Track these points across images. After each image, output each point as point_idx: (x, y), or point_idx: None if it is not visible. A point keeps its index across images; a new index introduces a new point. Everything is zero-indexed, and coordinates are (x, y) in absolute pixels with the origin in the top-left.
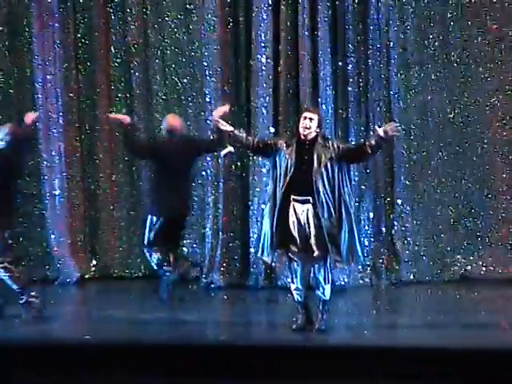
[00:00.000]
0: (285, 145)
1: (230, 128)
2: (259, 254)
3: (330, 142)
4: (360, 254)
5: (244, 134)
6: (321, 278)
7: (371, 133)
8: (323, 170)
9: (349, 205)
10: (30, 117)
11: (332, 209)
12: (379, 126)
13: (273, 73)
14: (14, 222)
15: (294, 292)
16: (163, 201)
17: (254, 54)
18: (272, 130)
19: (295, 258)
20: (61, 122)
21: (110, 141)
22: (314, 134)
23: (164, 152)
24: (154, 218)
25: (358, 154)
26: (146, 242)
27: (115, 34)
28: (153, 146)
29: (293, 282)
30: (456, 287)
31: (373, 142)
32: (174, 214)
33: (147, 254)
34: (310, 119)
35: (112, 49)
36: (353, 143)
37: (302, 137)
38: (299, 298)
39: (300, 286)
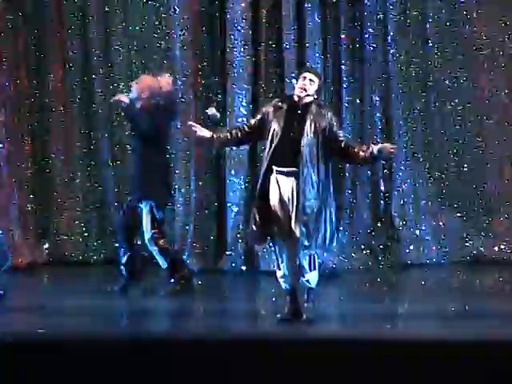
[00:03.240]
0: (273, 108)
1: (207, 133)
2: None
3: (325, 111)
4: (333, 240)
5: (227, 134)
6: (305, 264)
7: (368, 108)
8: (316, 140)
9: (330, 182)
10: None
11: (315, 185)
12: (375, 142)
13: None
14: None
15: (281, 280)
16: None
17: (229, 20)
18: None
19: (279, 241)
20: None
21: (64, 111)
22: (309, 99)
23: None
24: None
25: (346, 155)
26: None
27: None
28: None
29: (279, 269)
30: (465, 270)
31: (367, 155)
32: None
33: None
34: (311, 80)
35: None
36: (341, 139)
37: (296, 98)
38: (287, 286)
39: (287, 273)
